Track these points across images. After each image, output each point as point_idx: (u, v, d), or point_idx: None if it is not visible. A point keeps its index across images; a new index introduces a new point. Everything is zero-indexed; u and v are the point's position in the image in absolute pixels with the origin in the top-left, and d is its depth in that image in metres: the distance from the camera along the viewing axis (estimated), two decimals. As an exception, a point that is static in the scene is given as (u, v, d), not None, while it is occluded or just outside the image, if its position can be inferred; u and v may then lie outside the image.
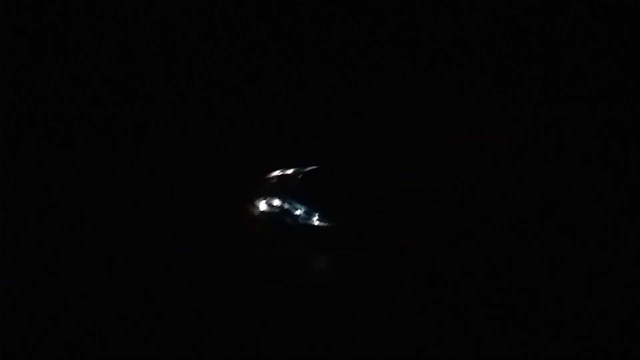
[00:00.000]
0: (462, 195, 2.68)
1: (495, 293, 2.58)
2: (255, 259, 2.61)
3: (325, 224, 2.59)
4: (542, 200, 2.67)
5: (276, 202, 2.60)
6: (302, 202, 2.59)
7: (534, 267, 2.60)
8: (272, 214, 2.61)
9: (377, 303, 2.56)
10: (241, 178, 2.69)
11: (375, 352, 2.45)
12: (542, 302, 2.55)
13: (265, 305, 2.53)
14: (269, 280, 2.57)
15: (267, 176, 2.64)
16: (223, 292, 2.56)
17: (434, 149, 2.72)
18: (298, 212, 2.59)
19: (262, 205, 2.62)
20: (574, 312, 2.51)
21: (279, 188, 2.60)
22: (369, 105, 2.76)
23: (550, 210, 2.67)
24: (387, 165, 2.69)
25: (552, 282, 2.57)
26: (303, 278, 2.56)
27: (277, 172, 2.62)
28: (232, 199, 2.67)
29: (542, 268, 2.60)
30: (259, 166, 2.69)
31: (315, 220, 2.58)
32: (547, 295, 2.56)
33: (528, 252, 2.62)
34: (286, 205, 2.59)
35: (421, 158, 2.71)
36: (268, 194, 2.61)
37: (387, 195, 2.64)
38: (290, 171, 2.63)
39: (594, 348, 2.43)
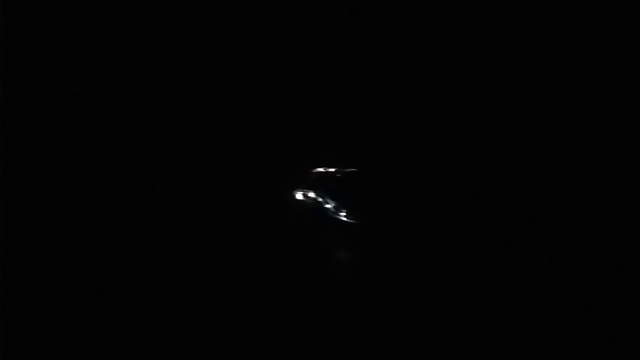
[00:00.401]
0: (477, 195, 2.73)
1: (500, 293, 2.59)
2: (283, 246, 2.80)
3: (352, 221, 2.84)
4: (541, 200, 2.68)
5: (312, 194, 2.91)
6: (335, 199, 2.89)
7: (536, 267, 2.62)
8: (305, 205, 2.90)
9: (393, 299, 2.64)
10: (284, 170, 2.91)
11: (388, 344, 2.49)
12: (542, 302, 2.56)
13: (287, 294, 2.68)
14: (293, 268, 2.76)
15: (310, 171, 2.92)
16: (248, 279, 2.71)
17: (449, 150, 2.77)
18: (329, 206, 2.88)
19: (299, 196, 2.92)
20: (574, 312, 2.52)
21: (318, 183, 2.91)
22: (390, 111, 2.82)
23: (550, 210, 2.67)
24: (411, 169, 2.83)
25: (552, 283, 2.58)
26: (325, 268, 2.79)
27: (319, 169, 2.91)
28: (270, 188, 2.88)
29: (542, 268, 2.61)
30: (302, 161, 2.93)
31: (343, 216, 2.86)
32: (547, 295, 2.57)
33: (530, 252, 2.64)
34: (320, 199, 2.89)
35: (440, 160, 2.77)
36: (306, 187, 2.92)
37: (410, 198, 2.82)
38: (330, 170, 2.91)
39: (594, 348, 2.44)
